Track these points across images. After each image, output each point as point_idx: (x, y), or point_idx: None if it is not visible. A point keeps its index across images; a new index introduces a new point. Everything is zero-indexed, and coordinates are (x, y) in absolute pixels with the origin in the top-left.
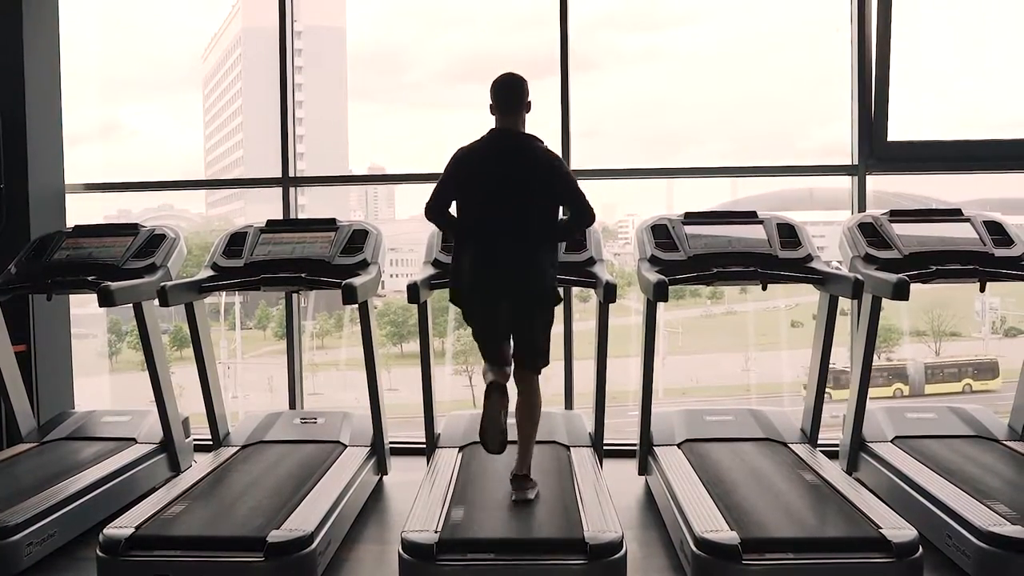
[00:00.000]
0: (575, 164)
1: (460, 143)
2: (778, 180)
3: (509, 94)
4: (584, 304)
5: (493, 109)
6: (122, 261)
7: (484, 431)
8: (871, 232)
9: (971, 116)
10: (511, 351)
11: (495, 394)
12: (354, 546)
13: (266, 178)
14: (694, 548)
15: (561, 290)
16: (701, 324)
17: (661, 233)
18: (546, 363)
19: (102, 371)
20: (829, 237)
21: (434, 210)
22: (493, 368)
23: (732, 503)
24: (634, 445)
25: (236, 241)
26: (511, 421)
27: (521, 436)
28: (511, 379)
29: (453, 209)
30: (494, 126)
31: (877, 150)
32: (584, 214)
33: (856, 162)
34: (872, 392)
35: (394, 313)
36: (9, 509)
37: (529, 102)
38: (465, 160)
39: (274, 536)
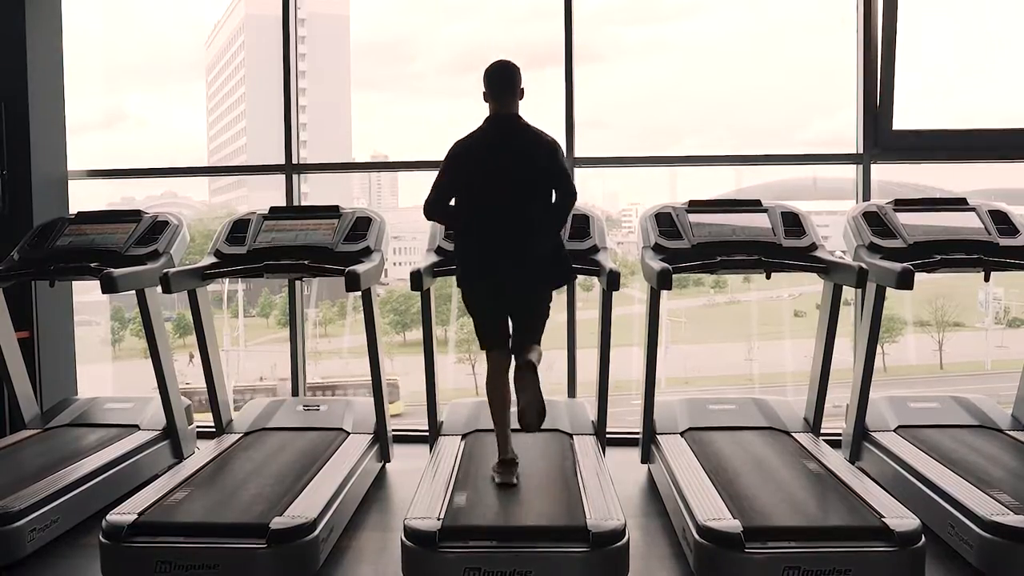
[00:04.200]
0: (579, 153)
1: (464, 132)
2: (782, 170)
3: (504, 81)
4: (587, 293)
5: (487, 96)
6: (125, 248)
7: (490, 394)
8: (875, 221)
9: (977, 105)
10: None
11: (496, 351)
12: (357, 533)
13: (269, 165)
14: (696, 536)
15: None
16: (704, 313)
17: (665, 221)
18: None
19: (105, 358)
20: (833, 227)
21: (435, 208)
22: (494, 357)
23: (735, 491)
24: (637, 433)
25: (239, 228)
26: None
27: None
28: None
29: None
30: (489, 113)
31: (882, 139)
32: (570, 195)
33: (861, 151)
34: None
35: (397, 301)
36: (12, 495)
37: (522, 89)
38: (467, 150)
39: (277, 523)
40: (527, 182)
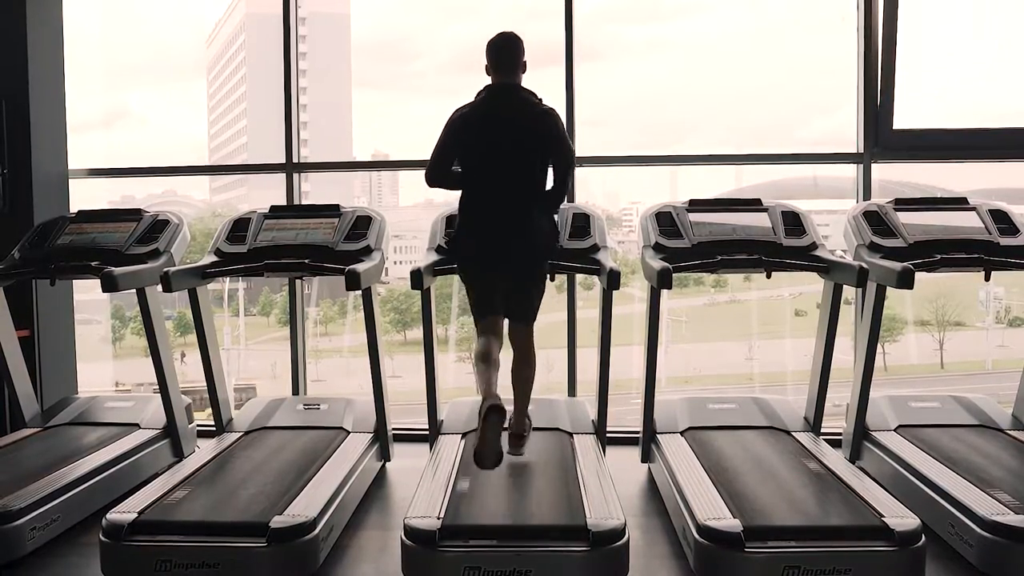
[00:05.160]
0: (580, 152)
1: None
2: (782, 169)
3: (507, 52)
4: (588, 292)
5: (489, 69)
6: (125, 246)
7: (478, 361)
8: (876, 220)
9: (977, 104)
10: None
11: (489, 328)
12: (357, 532)
13: (270, 164)
14: (696, 535)
15: (564, 277)
16: (705, 312)
17: (665, 220)
18: (535, 317)
19: (105, 357)
20: (834, 226)
21: (435, 175)
22: (486, 325)
23: (735, 491)
24: (637, 432)
25: (239, 227)
26: (507, 397)
27: (516, 392)
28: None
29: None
30: (490, 83)
31: (883, 138)
32: (569, 160)
33: (861, 150)
34: None
35: (397, 300)
36: (12, 494)
37: (525, 62)
38: (467, 119)
39: (277, 522)
40: (526, 151)
